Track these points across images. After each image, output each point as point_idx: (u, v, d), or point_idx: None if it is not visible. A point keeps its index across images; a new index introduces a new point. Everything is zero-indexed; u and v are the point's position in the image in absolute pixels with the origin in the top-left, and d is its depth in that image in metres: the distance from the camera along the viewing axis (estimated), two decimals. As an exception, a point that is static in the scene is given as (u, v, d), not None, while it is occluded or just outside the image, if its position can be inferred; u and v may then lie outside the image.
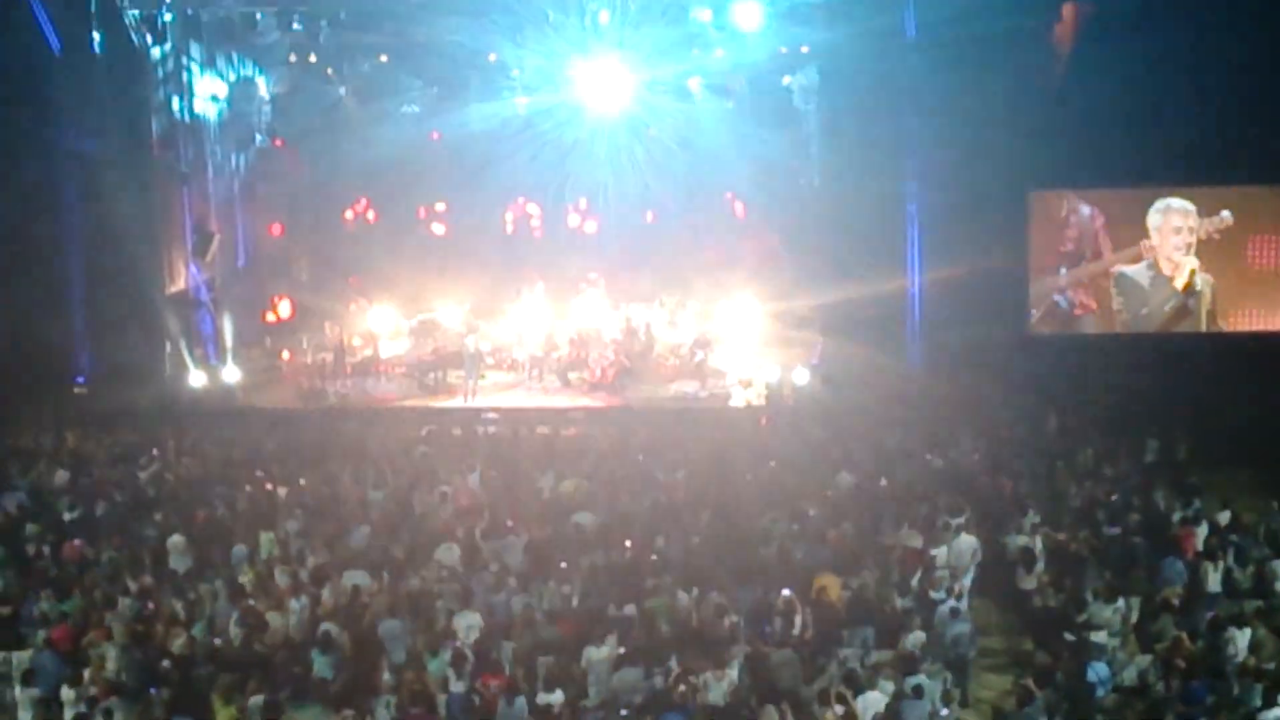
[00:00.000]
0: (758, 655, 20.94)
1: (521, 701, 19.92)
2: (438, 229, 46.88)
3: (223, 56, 41.00)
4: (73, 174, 36.32)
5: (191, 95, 39.40)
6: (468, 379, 38.48)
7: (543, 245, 46.32)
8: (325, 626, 22.12)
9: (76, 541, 26.16)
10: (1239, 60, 32.87)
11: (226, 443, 32.72)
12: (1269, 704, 19.35)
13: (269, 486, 29.24)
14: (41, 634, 22.37)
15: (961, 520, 25.87)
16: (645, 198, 45.02)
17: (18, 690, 20.91)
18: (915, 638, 21.45)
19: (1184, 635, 21.37)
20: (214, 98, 40.76)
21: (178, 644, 21.71)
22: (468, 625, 22.14)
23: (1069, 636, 21.75)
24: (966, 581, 24.20)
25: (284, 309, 43.51)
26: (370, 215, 47.22)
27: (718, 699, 19.97)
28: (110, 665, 21.21)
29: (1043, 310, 35.70)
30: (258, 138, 43.11)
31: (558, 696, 20.11)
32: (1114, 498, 27.20)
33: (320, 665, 21.47)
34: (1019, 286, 35.46)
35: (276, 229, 44.87)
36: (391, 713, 19.85)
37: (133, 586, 24.03)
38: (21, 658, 21.94)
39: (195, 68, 39.57)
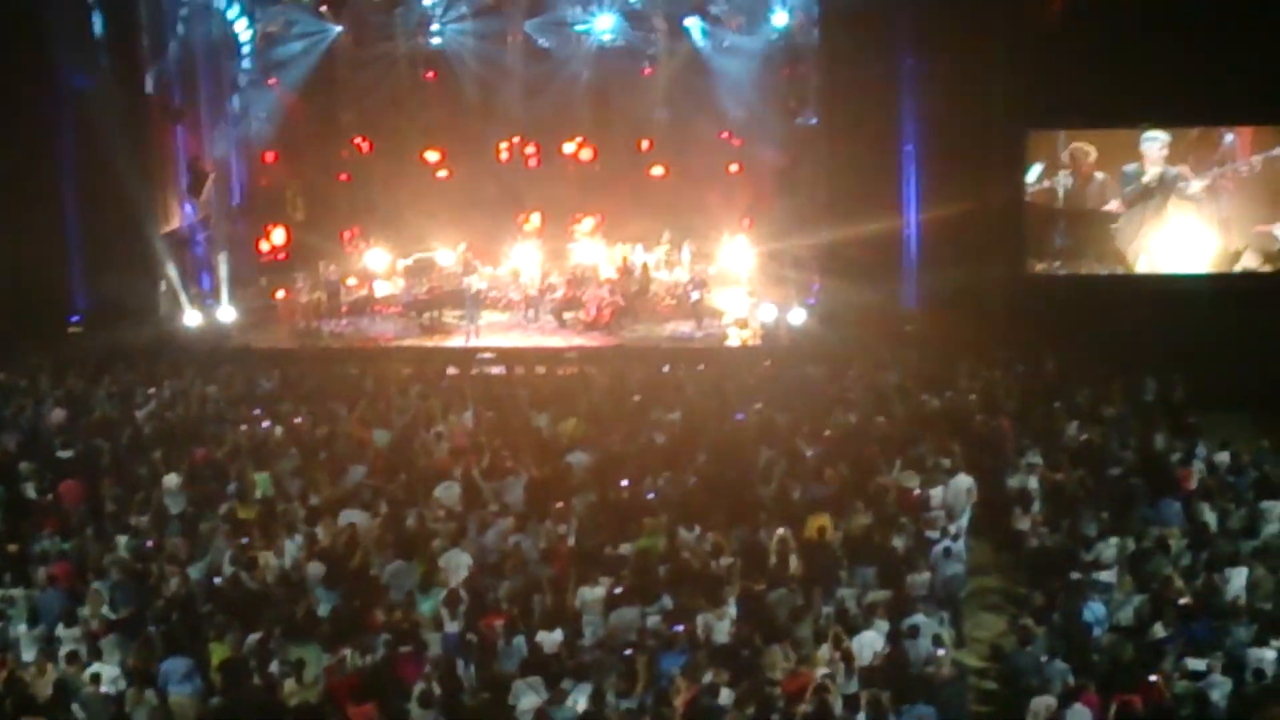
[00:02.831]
0: (753, 595, 20.95)
1: (520, 641, 19.97)
2: (434, 168, 46.64)
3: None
4: (66, 112, 36.05)
5: (186, 33, 39.04)
6: (468, 320, 38.39)
7: (539, 176, 46.02)
8: (321, 565, 22.14)
9: (74, 481, 26.14)
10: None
11: (222, 382, 32.64)
12: (1263, 643, 19.41)
13: (265, 425, 29.23)
14: (42, 572, 22.38)
15: (957, 460, 25.87)
16: (642, 130, 44.87)
17: (21, 628, 20.91)
18: (915, 579, 21.48)
19: (1180, 575, 21.44)
20: (208, 35, 40.40)
21: (174, 583, 21.72)
22: (460, 564, 22.18)
23: (1068, 576, 21.76)
24: (962, 522, 24.22)
25: (278, 237, 43.23)
26: (366, 153, 46.94)
27: (719, 638, 19.99)
28: (107, 604, 21.24)
29: (1041, 250, 35.56)
30: (247, 77, 42.78)
31: (556, 636, 20.15)
32: (1111, 438, 27.15)
33: (317, 603, 21.48)
34: (1016, 226, 35.29)
35: (271, 169, 44.63)
36: (385, 650, 19.89)
37: (130, 525, 24.06)
38: (24, 595, 21.99)
39: (190, 5, 39.22)
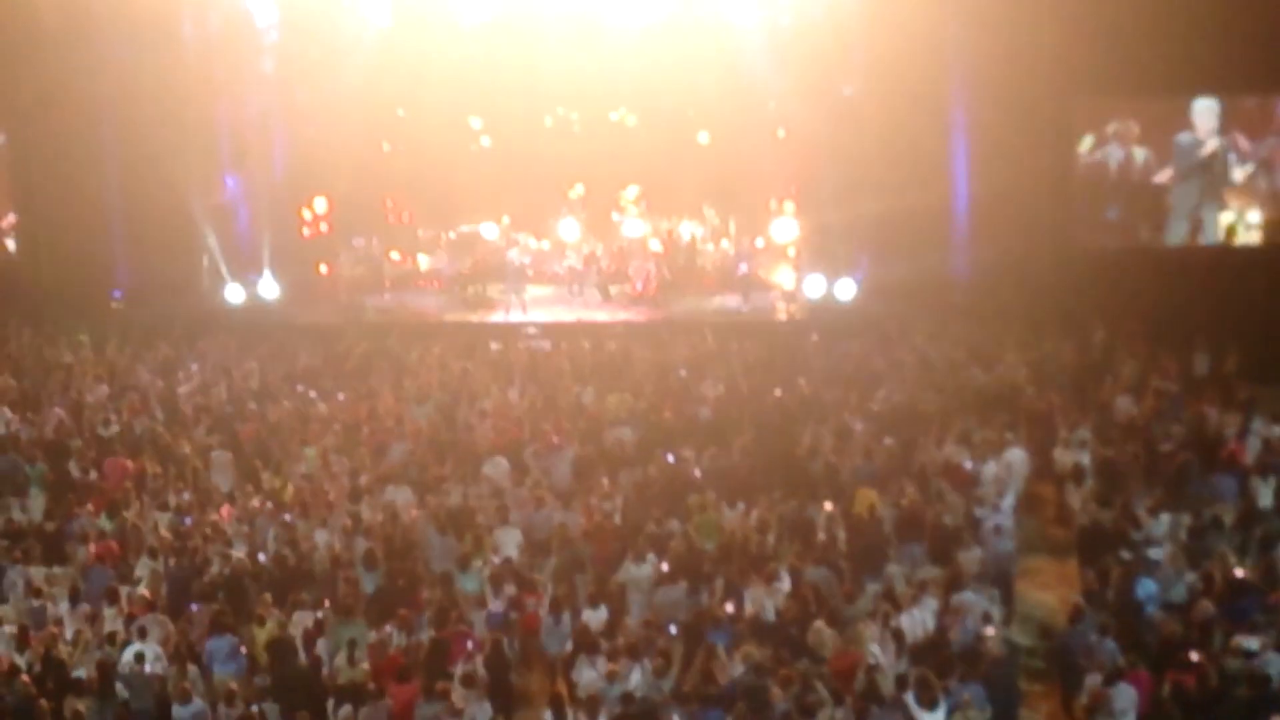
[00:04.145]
0: (801, 571, 20.75)
1: (566, 618, 19.83)
2: (479, 141, 46.32)
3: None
4: (108, 83, 36.02)
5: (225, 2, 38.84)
6: (511, 294, 38.23)
7: (582, 143, 45.49)
8: (366, 542, 22.03)
9: (118, 459, 26.11)
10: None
11: (266, 357, 32.59)
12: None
13: (310, 400, 29.18)
14: (83, 550, 22.34)
15: (1009, 436, 25.60)
16: (687, 97, 44.45)
17: (64, 606, 20.87)
18: (965, 555, 21.23)
19: (1233, 552, 21.14)
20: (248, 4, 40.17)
21: (218, 561, 21.65)
22: (507, 541, 22.05)
23: (1121, 553, 21.47)
24: (1011, 498, 23.92)
25: (320, 206, 42.95)
26: (408, 126, 46.63)
27: (768, 615, 19.80)
28: (151, 582, 21.17)
29: (1093, 222, 35.23)
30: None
31: (601, 614, 20.01)
32: (1163, 412, 26.81)
33: (363, 581, 21.38)
34: (1066, 198, 34.93)
35: (313, 141, 44.40)
36: (431, 629, 19.79)
37: (173, 502, 24.02)
38: (66, 574, 21.94)
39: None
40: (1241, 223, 34.40)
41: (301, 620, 20.10)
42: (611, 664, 18.52)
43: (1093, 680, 18.07)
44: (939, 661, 18.37)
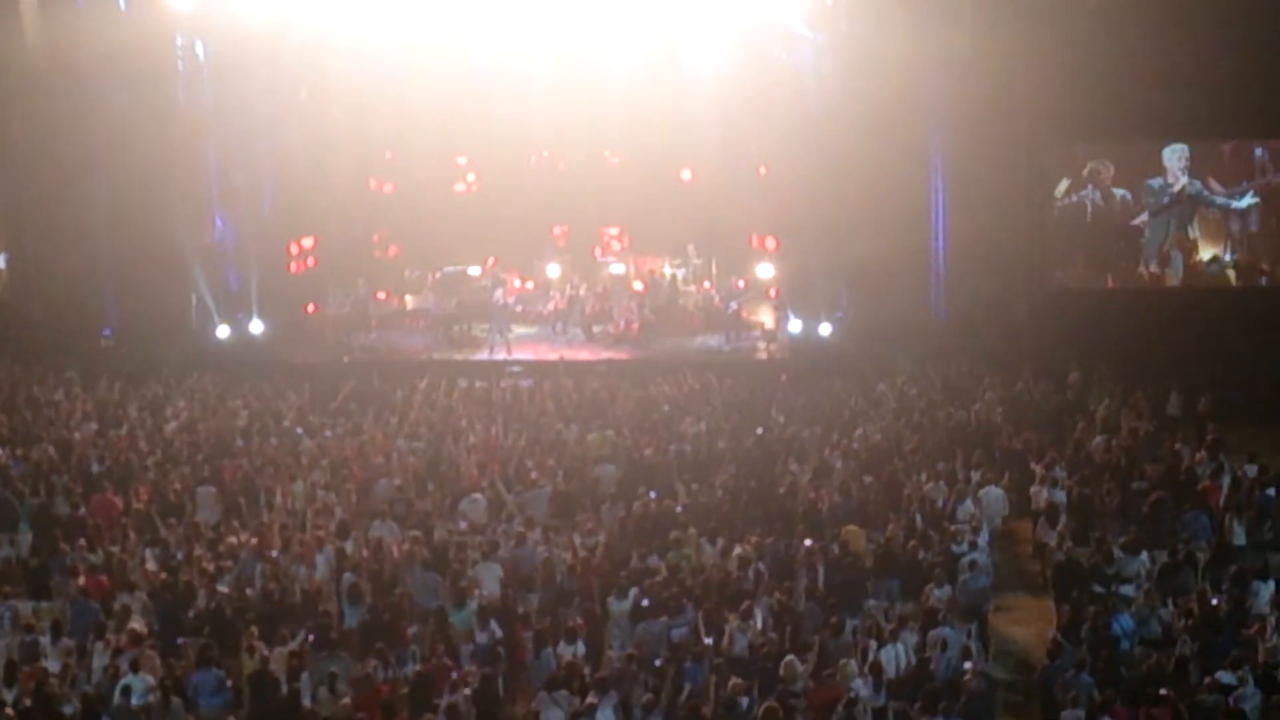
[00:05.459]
0: (781, 607, 21.01)
1: (549, 652, 20.04)
2: (465, 179, 46.52)
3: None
4: (98, 123, 36.29)
5: (216, 42, 39.10)
6: (495, 333, 38.51)
7: (566, 183, 45.53)
8: (351, 577, 22.25)
9: (106, 495, 26.31)
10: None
11: (253, 395, 32.82)
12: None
13: (296, 437, 29.41)
14: (72, 584, 22.52)
15: (986, 474, 25.92)
16: (669, 140, 44.61)
17: (47, 640, 21.04)
18: (941, 591, 21.50)
19: (1208, 589, 21.43)
20: (239, 45, 40.42)
21: (204, 595, 21.85)
22: (488, 576, 22.30)
23: (1096, 589, 21.76)
24: (986, 534, 24.20)
25: (307, 242, 43.12)
26: (395, 167, 46.83)
27: (741, 650, 20.06)
28: (138, 616, 21.36)
29: (1067, 263, 35.64)
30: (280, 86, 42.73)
31: (578, 648, 20.23)
32: (1137, 451, 27.14)
33: (347, 616, 21.61)
34: (1041, 240, 35.34)
35: (301, 182, 44.61)
36: (416, 663, 20.00)
37: (162, 537, 24.18)
38: (51, 608, 22.13)
39: (221, 13, 39.20)
40: (1214, 263, 34.82)
41: (284, 655, 20.25)
42: (584, 698, 18.73)
43: (1075, 716, 18.26)
44: (918, 696, 18.64)
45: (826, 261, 37.37)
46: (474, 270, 42.67)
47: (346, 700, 19.08)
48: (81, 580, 22.48)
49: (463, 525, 24.60)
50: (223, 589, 22.14)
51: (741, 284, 41.34)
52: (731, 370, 35.41)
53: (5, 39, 35.38)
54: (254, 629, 20.76)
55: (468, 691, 19.05)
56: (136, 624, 21.05)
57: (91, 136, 36.51)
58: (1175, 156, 34.58)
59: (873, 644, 19.94)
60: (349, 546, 23.44)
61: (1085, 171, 34.95)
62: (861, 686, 18.94)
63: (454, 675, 19.45)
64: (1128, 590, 21.80)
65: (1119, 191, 35.08)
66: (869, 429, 28.77)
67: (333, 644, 20.38)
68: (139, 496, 26.26)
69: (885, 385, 32.03)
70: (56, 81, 35.66)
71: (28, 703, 18.98)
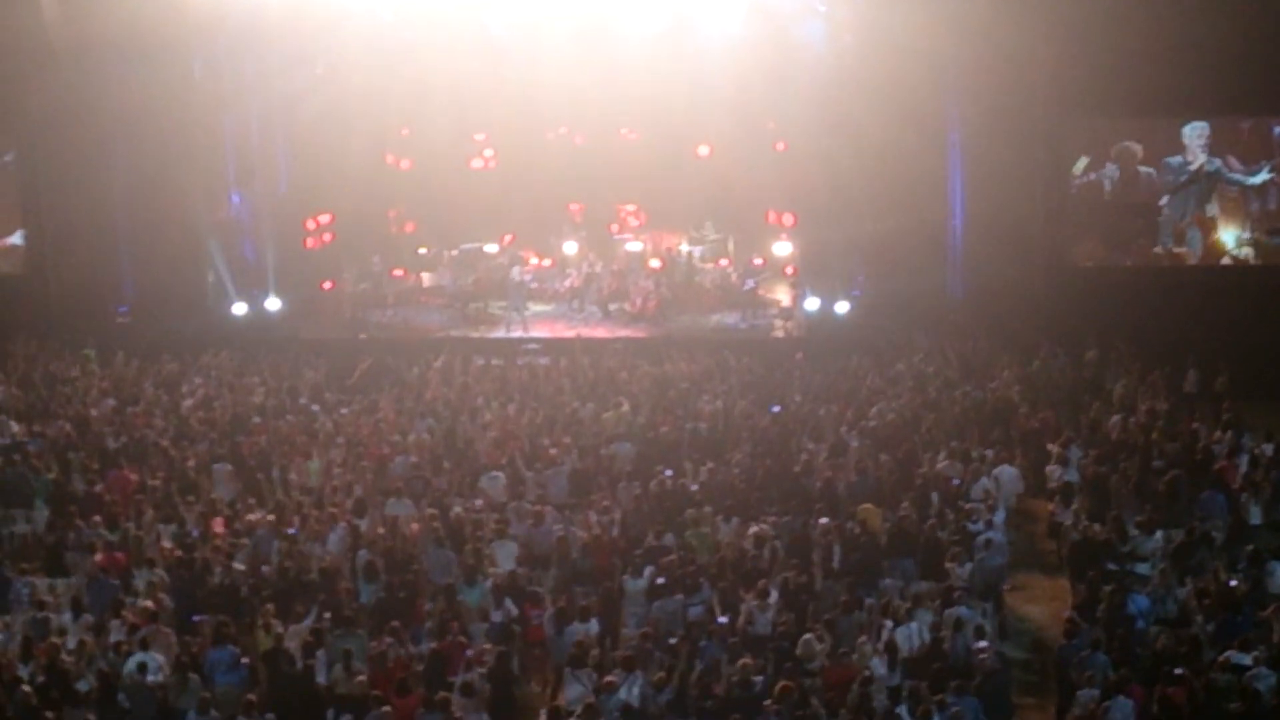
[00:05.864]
0: (797, 585, 21.01)
1: (571, 629, 20.06)
2: (482, 156, 46.45)
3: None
4: (115, 100, 36.29)
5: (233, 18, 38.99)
6: (512, 310, 38.51)
7: (583, 159, 45.44)
8: (366, 555, 22.30)
9: (122, 471, 26.38)
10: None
11: (270, 371, 32.86)
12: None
13: (312, 414, 29.45)
14: (88, 561, 22.59)
15: (1001, 452, 25.88)
16: (687, 116, 44.47)
17: (66, 616, 21.12)
18: (957, 570, 21.49)
19: (1224, 568, 21.39)
20: (256, 20, 40.32)
21: (220, 572, 21.92)
22: (504, 554, 22.34)
23: (1111, 568, 21.73)
24: (1002, 513, 24.18)
25: (324, 218, 43.07)
26: (412, 144, 46.76)
27: (763, 628, 20.06)
28: (154, 593, 21.42)
29: (1086, 241, 35.54)
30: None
31: (591, 626, 20.26)
32: (1154, 430, 27.07)
33: (363, 593, 21.66)
34: (1060, 218, 35.21)
35: (318, 158, 44.56)
36: (431, 640, 20.06)
37: (178, 514, 24.24)
38: (68, 585, 22.21)
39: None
40: (1233, 241, 34.70)
41: (299, 632, 20.35)
42: (609, 676, 18.77)
43: (1090, 695, 18.28)
44: (933, 675, 18.65)
45: (843, 238, 37.25)
46: (491, 247, 42.59)
47: (362, 677, 19.15)
48: (99, 557, 22.58)
49: (478, 503, 24.63)
50: (239, 566, 22.22)
51: (759, 262, 41.23)
52: (748, 348, 35.32)
53: (22, 15, 35.28)
54: (269, 606, 20.86)
55: (482, 669, 19.10)
56: (151, 600, 21.15)
57: (108, 113, 36.45)
58: (1195, 134, 34.43)
59: (888, 623, 19.96)
60: (365, 524, 23.51)
61: (1114, 151, 34.79)
62: (877, 665, 18.99)
63: (468, 653, 19.50)
64: (1143, 569, 21.80)
65: (1145, 169, 34.94)
66: (885, 407, 28.69)
67: (348, 621, 20.46)
68: (155, 473, 26.32)
69: (902, 363, 31.97)
70: (73, 58, 35.54)
71: (42, 679, 19.08)
